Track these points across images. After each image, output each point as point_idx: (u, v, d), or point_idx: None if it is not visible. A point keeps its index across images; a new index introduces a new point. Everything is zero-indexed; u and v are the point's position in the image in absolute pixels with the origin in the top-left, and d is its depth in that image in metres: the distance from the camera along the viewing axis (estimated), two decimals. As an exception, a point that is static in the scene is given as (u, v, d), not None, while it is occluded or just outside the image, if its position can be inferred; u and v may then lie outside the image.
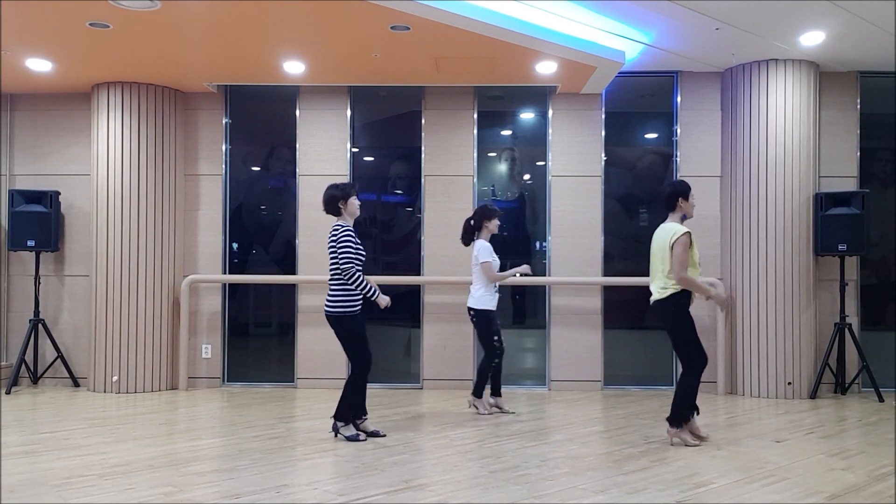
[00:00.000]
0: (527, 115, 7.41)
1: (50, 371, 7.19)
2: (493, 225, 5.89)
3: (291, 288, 7.24)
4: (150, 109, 6.98)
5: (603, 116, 7.22)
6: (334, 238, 4.86)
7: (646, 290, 7.18)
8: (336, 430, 4.94)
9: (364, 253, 4.93)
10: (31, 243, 6.96)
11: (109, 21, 5.36)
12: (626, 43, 6.27)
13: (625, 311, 7.25)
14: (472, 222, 5.93)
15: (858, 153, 7.12)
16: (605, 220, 7.19)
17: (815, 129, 6.87)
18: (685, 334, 4.84)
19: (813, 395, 6.67)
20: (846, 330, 6.78)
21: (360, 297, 4.89)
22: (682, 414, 4.78)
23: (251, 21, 5.41)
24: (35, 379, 7.13)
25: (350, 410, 4.97)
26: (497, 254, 5.90)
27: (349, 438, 4.89)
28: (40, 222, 6.97)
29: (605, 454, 4.57)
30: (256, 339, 7.55)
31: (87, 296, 7.15)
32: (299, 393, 6.92)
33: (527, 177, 7.44)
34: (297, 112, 7.27)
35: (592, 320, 7.14)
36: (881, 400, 6.55)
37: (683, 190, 4.92)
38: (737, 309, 6.89)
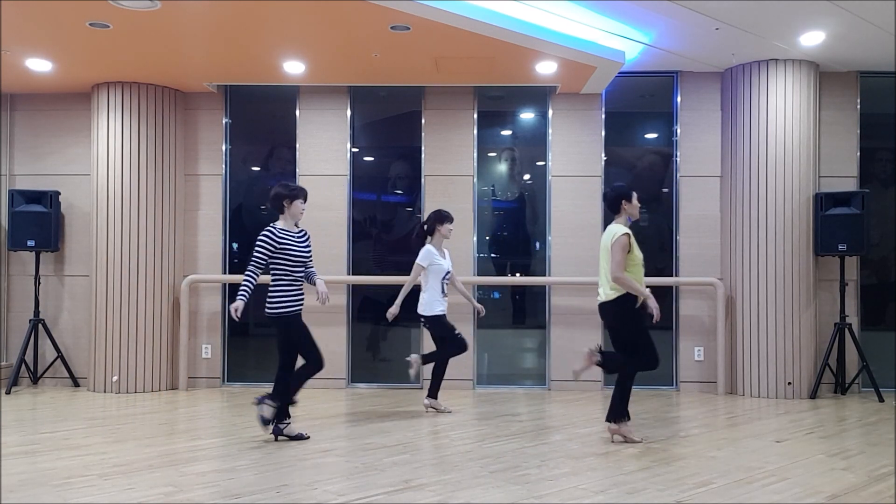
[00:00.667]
0: (527, 115, 7.41)
1: (50, 371, 7.19)
2: (446, 229, 5.85)
3: (291, 288, 7.23)
4: (150, 109, 6.98)
5: (603, 116, 7.22)
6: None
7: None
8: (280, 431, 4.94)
9: (297, 253, 4.86)
10: (31, 243, 6.96)
11: (109, 21, 5.36)
12: (626, 43, 6.27)
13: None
14: (425, 226, 5.91)
15: (858, 153, 7.12)
16: (605, 220, 7.18)
17: (815, 129, 6.87)
18: (631, 336, 4.86)
19: (813, 395, 6.67)
20: (846, 330, 6.78)
21: (293, 297, 4.86)
22: (623, 409, 4.84)
23: (251, 21, 5.41)
24: (35, 379, 7.13)
25: (282, 394, 4.90)
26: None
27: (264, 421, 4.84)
28: (40, 222, 6.97)
29: (605, 454, 4.57)
30: (256, 339, 7.54)
31: (87, 296, 7.15)
32: (299, 393, 6.90)
33: (527, 177, 7.44)
34: (297, 112, 7.27)
35: (592, 320, 7.11)
36: (881, 400, 6.55)
37: (626, 193, 4.95)
38: (737, 309, 6.89)
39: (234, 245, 7.35)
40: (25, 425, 5.42)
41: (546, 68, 6.43)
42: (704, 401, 6.58)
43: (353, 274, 7.16)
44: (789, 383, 6.65)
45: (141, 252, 6.89)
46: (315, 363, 4.96)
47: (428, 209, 7.17)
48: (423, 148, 7.23)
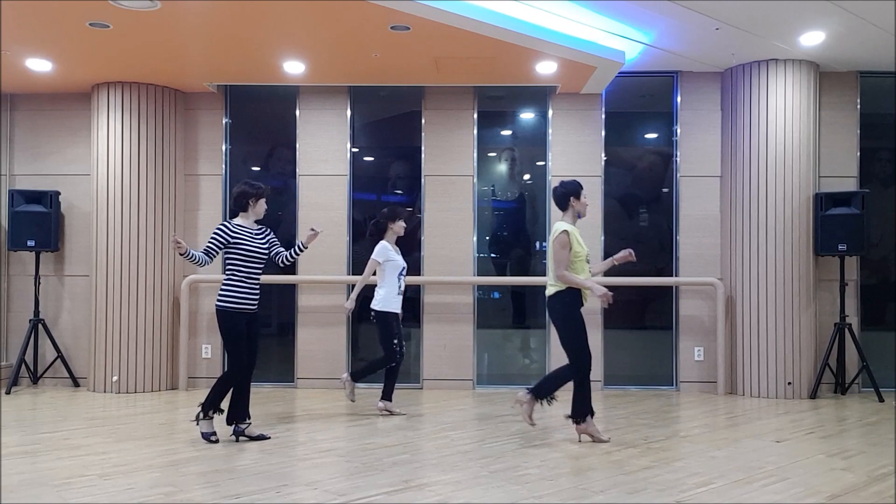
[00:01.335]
0: (527, 115, 7.41)
1: (50, 371, 7.19)
2: (398, 226, 5.81)
3: (291, 288, 7.24)
4: (150, 109, 6.98)
5: (603, 116, 7.22)
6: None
7: (646, 291, 7.26)
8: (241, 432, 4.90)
9: (252, 249, 4.84)
10: (31, 243, 6.96)
11: (109, 21, 5.36)
12: (626, 43, 6.27)
13: (625, 311, 7.25)
14: (378, 222, 5.86)
15: (858, 153, 7.12)
16: (605, 220, 7.19)
17: (815, 129, 6.87)
18: (570, 332, 4.88)
19: (813, 395, 6.67)
20: (846, 330, 6.78)
21: (242, 294, 4.82)
22: (586, 407, 4.86)
23: (251, 21, 5.41)
24: (35, 379, 7.13)
25: (210, 405, 4.83)
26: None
27: (203, 435, 4.84)
28: (40, 222, 6.97)
29: (605, 454, 4.57)
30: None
31: (87, 296, 7.15)
32: (299, 393, 6.92)
33: (527, 177, 7.44)
34: (297, 112, 7.27)
35: (592, 320, 7.11)
36: (881, 400, 6.55)
37: (574, 189, 4.95)
38: (737, 309, 6.89)
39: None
40: (25, 425, 5.42)
41: (546, 68, 6.43)
42: (704, 401, 6.58)
43: (353, 274, 7.15)
44: (789, 383, 6.65)
45: (141, 252, 6.89)
46: (232, 368, 4.88)
47: (428, 209, 7.17)
48: (423, 148, 7.23)
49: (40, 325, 7.10)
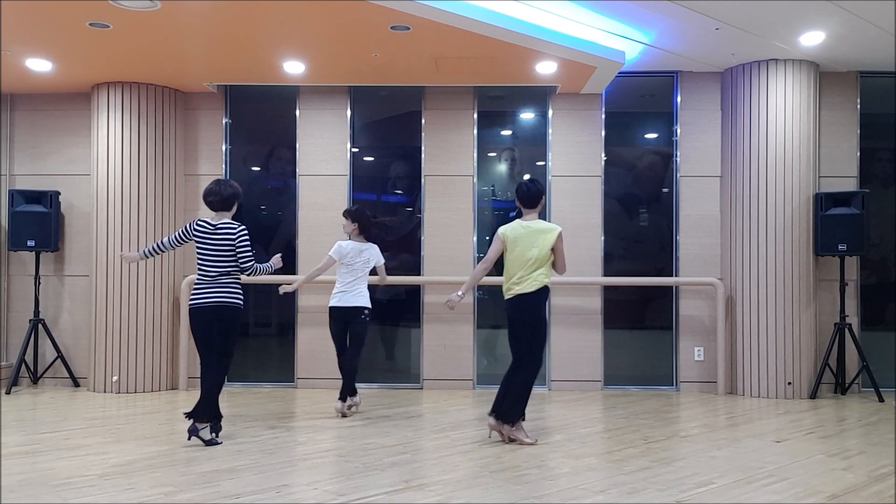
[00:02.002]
0: (527, 115, 7.41)
1: (50, 371, 7.19)
2: (345, 224, 5.88)
3: (291, 288, 7.23)
4: (150, 109, 6.98)
5: (603, 116, 7.22)
6: (240, 235, 4.85)
7: (645, 291, 7.25)
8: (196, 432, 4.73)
9: (204, 246, 4.88)
10: (31, 243, 6.96)
11: (109, 21, 5.36)
12: (626, 43, 6.27)
13: (625, 311, 7.25)
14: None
15: (858, 153, 7.12)
16: (605, 220, 7.19)
17: (815, 129, 6.87)
18: (543, 331, 4.93)
19: (813, 395, 6.67)
20: (846, 330, 6.78)
21: (195, 290, 4.83)
22: (522, 409, 4.84)
23: (251, 21, 5.42)
24: (35, 379, 7.13)
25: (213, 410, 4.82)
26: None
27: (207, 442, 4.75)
28: (40, 222, 6.97)
29: (605, 454, 4.57)
30: (256, 339, 7.55)
31: (87, 296, 7.15)
32: (299, 393, 6.92)
33: (527, 177, 7.42)
34: (297, 112, 7.27)
35: (592, 320, 7.14)
36: (881, 400, 6.55)
37: (544, 189, 5.11)
38: (737, 309, 6.89)
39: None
40: (25, 425, 5.42)
41: (546, 68, 6.43)
42: (704, 401, 6.58)
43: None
44: (789, 383, 6.65)
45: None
46: (201, 366, 4.92)
47: (428, 209, 7.17)
48: (423, 148, 7.23)
49: (40, 325, 7.10)
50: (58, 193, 7.11)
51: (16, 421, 5.57)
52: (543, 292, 4.84)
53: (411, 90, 7.20)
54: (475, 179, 7.22)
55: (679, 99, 7.18)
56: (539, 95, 7.24)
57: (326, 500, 3.61)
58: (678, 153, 7.18)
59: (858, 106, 7.11)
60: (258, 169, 7.52)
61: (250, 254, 4.87)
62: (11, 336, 7.32)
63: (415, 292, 7.20)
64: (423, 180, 7.22)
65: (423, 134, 7.23)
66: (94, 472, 4.08)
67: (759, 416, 5.87)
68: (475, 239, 7.17)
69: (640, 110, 7.42)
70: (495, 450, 4.66)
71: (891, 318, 7.18)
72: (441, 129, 7.21)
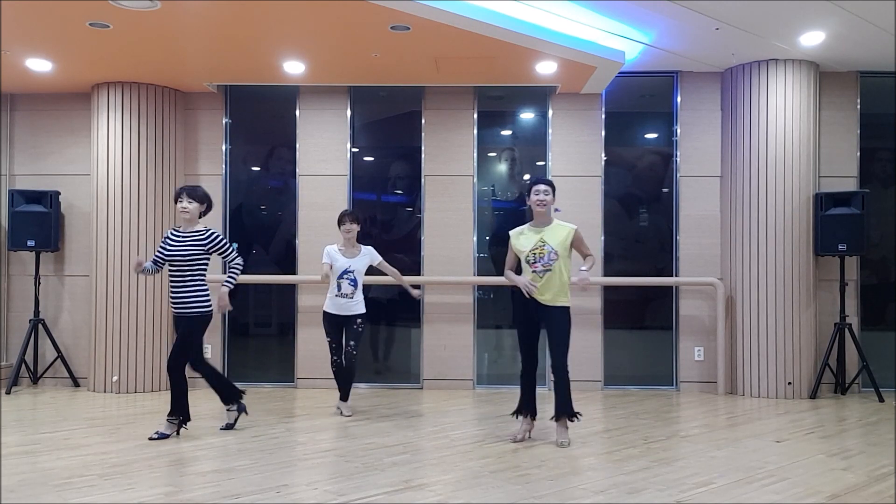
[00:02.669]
0: (527, 115, 7.41)
1: (50, 371, 7.19)
2: (342, 230, 5.89)
3: (291, 288, 7.24)
4: (150, 109, 6.98)
5: (603, 116, 7.22)
6: (218, 240, 5.02)
7: (645, 291, 7.26)
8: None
9: (167, 252, 5.05)
10: (31, 243, 6.96)
11: (109, 21, 5.36)
12: (626, 43, 6.27)
13: (625, 311, 7.26)
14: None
15: (858, 153, 7.12)
16: (605, 220, 7.19)
17: (815, 129, 6.87)
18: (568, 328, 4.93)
19: (813, 395, 6.67)
20: (846, 330, 6.78)
21: (171, 296, 5.01)
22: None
23: (251, 21, 5.42)
24: (35, 379, 7.13)
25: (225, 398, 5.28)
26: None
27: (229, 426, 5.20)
28: (40, 222, 6.97)
29: (605, 454, 4.57)
30: (256, 339, 7.55)
31: (87, 296, 7.15)
32: (299, 393, 6.92)
33: (527, 177, 7.43)
34: (297, 112, 7.27)
35: (592, 320, 7.14)
36: (881, 400, 6.55)
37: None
38: (737, 309, 6.89)
39: (234, 245, 7.32)
40: (25, 425, 5.42)
41: (546, 68, 6.43)
42: (704, 401, 6.58)
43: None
44: (789, 383, 6.65)
45: (141, 252, 6.88)
46: (194, 366, 5.11)
47: (428, 209, 7.17)
48: (423, 148, 7.23)
49: (40, 325, 7.10)
50: (58, 193, 7.11)
51: (16, 421, 5.57)
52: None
53: (411, 90, 7.20)
54: (475, 179, 7.22)
55: (679, 99, 7.18)
56: (539, 95, 7.24)
57: (326, 500, 3.61)
58: (678, 153, 7.18)
59: (858, 106, 7.11)
60: (258, 169, 7.52)
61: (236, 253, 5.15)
62: (11, 336, 7.32)
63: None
64: (423, 180, 7.22)
65: (423, 134, 7.23)
66: (94, 472, 4.08)
67: (759, 416, 5.87)
68: (475, 239, 7.17)
69: (640, 110, 7.42)
70: (495, 450, 4.66)
71: (891, 318, 7.18)
72: (441, 129, 7.21)
